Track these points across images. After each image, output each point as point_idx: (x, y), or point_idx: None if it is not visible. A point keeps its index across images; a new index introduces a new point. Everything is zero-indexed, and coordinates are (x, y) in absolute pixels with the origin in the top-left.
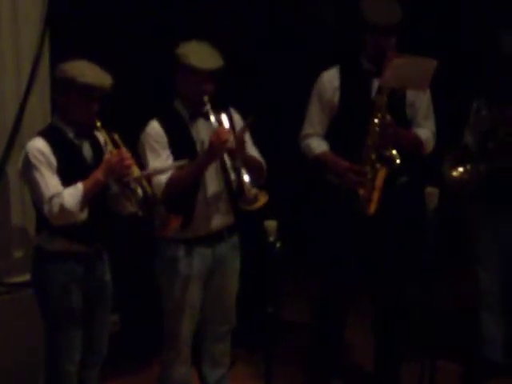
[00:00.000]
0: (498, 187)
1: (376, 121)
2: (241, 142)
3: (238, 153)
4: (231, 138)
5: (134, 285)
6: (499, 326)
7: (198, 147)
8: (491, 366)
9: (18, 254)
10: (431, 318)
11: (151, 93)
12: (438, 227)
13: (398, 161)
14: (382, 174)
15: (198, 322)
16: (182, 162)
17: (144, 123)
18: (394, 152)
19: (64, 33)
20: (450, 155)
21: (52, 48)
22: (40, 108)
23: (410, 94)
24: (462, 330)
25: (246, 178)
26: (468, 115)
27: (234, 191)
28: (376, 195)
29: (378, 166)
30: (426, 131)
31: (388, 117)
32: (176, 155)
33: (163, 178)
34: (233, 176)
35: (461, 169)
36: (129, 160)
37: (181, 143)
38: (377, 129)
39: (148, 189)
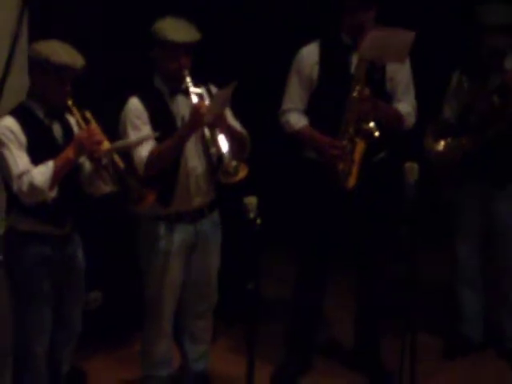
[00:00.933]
0: (481, 161)
1: (354, 94)
2: (220, 114)
3: (217, 124)
4: (211, 112)
5: (115, 261)
6: (479, 304)
7: (179, 122)
8: (470, 342)
9: None
10: (412, 292)
11: (130, 70)
12: (418, 202)
13: (376, 133)
14: (360, 147)
15: (179, 299)
16: (155, 134)
17: (124, 101)
18: (372, 124)
19: (42, 12)
20: (431, 129)
21: (30, 27)
22: (19, 87)
23: (390, 69)
24: (443, 303)
25: (226, 149)
26: (446, 88)
27: (215, 165)
28: (355, 169)
29: (356, 139)
30: (406, 106)
31: (367, 89)
32: (157, 131)
33: (144, 155)
34: (213, 149)
35: (443, 142)
36: (99, 135)
37: (161, 119)
38: (355, 103)
39: (121, 164)
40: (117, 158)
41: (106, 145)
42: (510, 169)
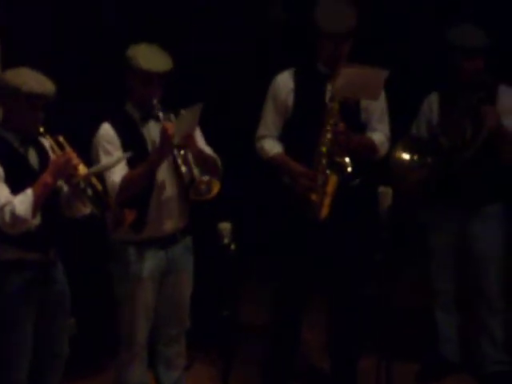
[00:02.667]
0: (449, 184)
1: (328, 127)
2: (189, 135)
3: (186, 145)
4: (179, 133)
5: (89, 288)
6: (454, 326)
7: (150, 147)
8: (447, 364)
9: None
10: (387, 317)
11: (102, 96)
12: (392, 226)
13: (349, 169)
14: (333, 181)
15: (153, 324)
16: (127, 154)
17: (96, 127)
18: (347, 160)
19: (14, 40)
20: (401, 143)
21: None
22: None
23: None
24: (418, 328)
25: (197, 170)
26: (418, 110)
27: (186, 186)
28: (327, 201)
29: (328, 172)
30: (380, 135)
31: (341, 124)
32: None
33: (117, 180)
34: (184, 169)
35: (407, 156)
36: (75, 159)
37: (133, 144)
38: (329, 135)
39: (98, 186)
40: (94, 180)
41: (83, 169)
42: (485, 191)
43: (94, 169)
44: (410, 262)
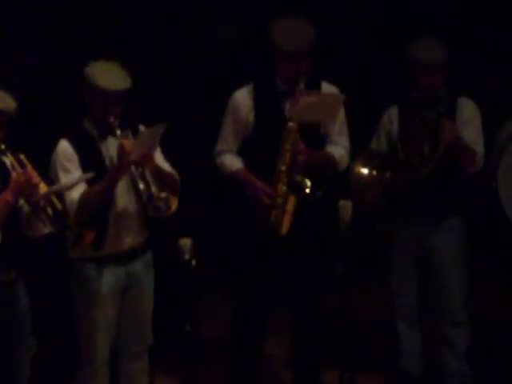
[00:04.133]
0: (408, 197)
1: (288, 147)
2: (147, 153)
3: (144, 163)
4: (137, 150)
5: (50, 307)
6: (417, 338)
7: (108, 164)
8: (409, 377)
9: None
10: (350, 329)
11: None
12: (353, 239)
13: (307, 190)
14: (292, 200)
15: (115, 341)
16: (89, 175)
17: (54, 144)
18: (306, 181)
19: None
20: (361, 156)
21: None
22: None
23: None
24: (381, 341)
25: (155, 187)
26: (378, 124)
27: (145, 203)
28: (287, 218)
29: (288, 191)
30: (339, 148)
31: (300, 144)
32: (87, 173)
33: (75, 197)
34: (142, 186)
35: (366, 171)
36: (35, 178)
37: (91, 161)
38: (288, 155)
39: (58, 205)
40: (54, 199)
41: (43, 187)
42: (445, 204)
43: (54, 188)
44: (371, 275)
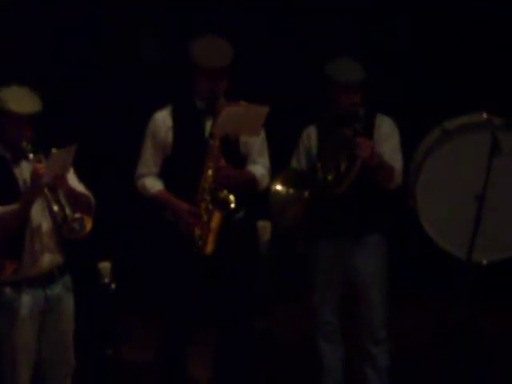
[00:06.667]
0: (334, 215)
1: (210, 164)
2: (60, 175)
3: (58, 185)
4: (50, 173)
5: None
6: (339, 357)
7: (22, 187)
8: None
9: None
10: (271, 350)
11: None
12: (272, 259)
13: (232, 205)
14: (216, 217)
15: (36, 364)
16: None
17: None
18: (230, 196)
19: None
20: (279, 176)
21: None
22: None
23: None
24: (303, 359)
25: (69, 209)
26: (296, 142)
27: (59, 224)
28: (212, 237)
29: (212, 208)
30: (260, 168)
31: (222, 161)
32: (0, 197)
33: None
34: (56, 208)
35: (283, 190)
36: None
37: (4, 184)
38: (210, 172)
39: None
40: None
41: None
42: (364, 222)
43: None
44: (291, 294)
